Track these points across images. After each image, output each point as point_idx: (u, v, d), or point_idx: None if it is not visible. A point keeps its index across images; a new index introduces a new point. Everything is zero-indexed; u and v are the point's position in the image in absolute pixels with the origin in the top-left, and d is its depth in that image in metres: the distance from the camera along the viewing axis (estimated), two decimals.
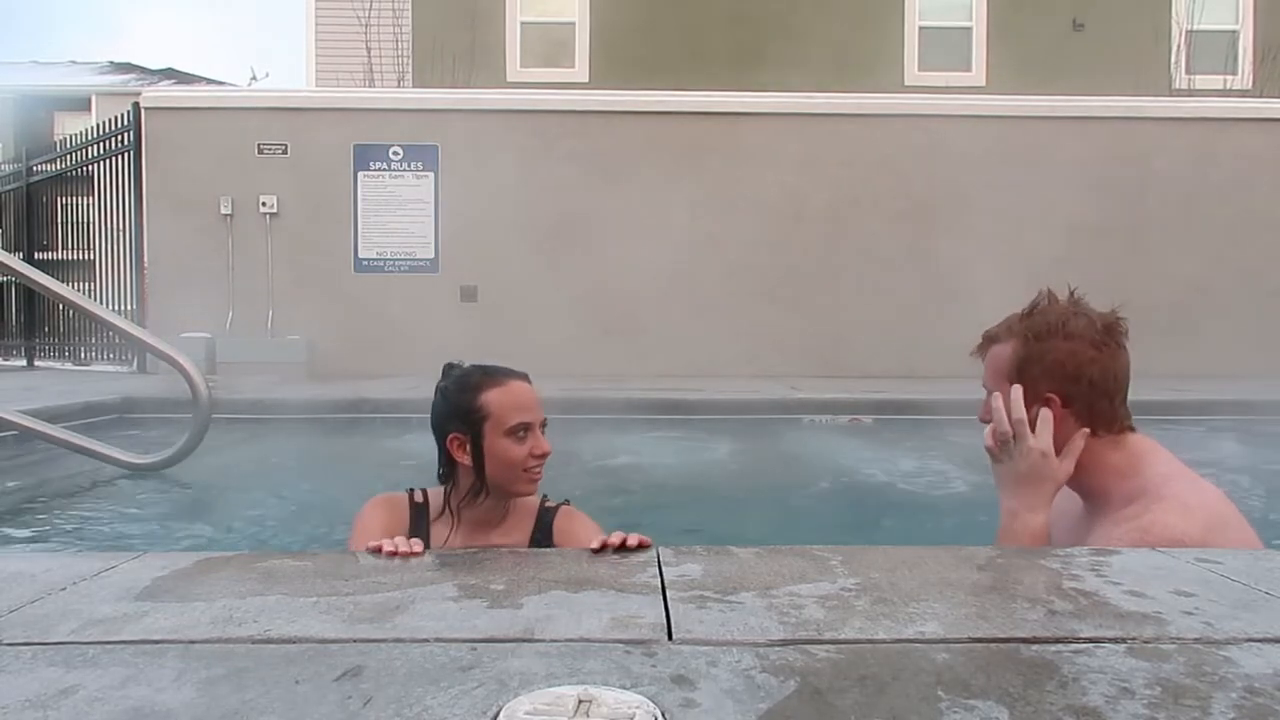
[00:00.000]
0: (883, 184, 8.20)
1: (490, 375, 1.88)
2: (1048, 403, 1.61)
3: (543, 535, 1.90)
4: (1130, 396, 1.66)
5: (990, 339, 1.73)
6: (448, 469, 1.88)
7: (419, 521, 1.87)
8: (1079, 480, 1.66)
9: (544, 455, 1.85)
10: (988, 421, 1.69)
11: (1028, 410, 1.62)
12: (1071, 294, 1.68)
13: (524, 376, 1.91)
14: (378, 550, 1.44)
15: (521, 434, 1.82)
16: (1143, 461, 1.61)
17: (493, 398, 1.84)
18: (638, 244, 7.85)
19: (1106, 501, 1.62)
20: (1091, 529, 1.62)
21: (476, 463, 1.83)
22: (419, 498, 1.92)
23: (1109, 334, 1.62)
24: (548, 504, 1.97)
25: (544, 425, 1.87)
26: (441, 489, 1.90)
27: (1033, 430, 1.61)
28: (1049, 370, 1.61)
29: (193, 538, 2.88)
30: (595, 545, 1.44)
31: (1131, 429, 1.65)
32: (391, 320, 7.82)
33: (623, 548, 1.42)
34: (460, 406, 1.85)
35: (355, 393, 6.00)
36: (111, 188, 8.49)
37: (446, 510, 1.87)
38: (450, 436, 1.85)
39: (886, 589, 1.20)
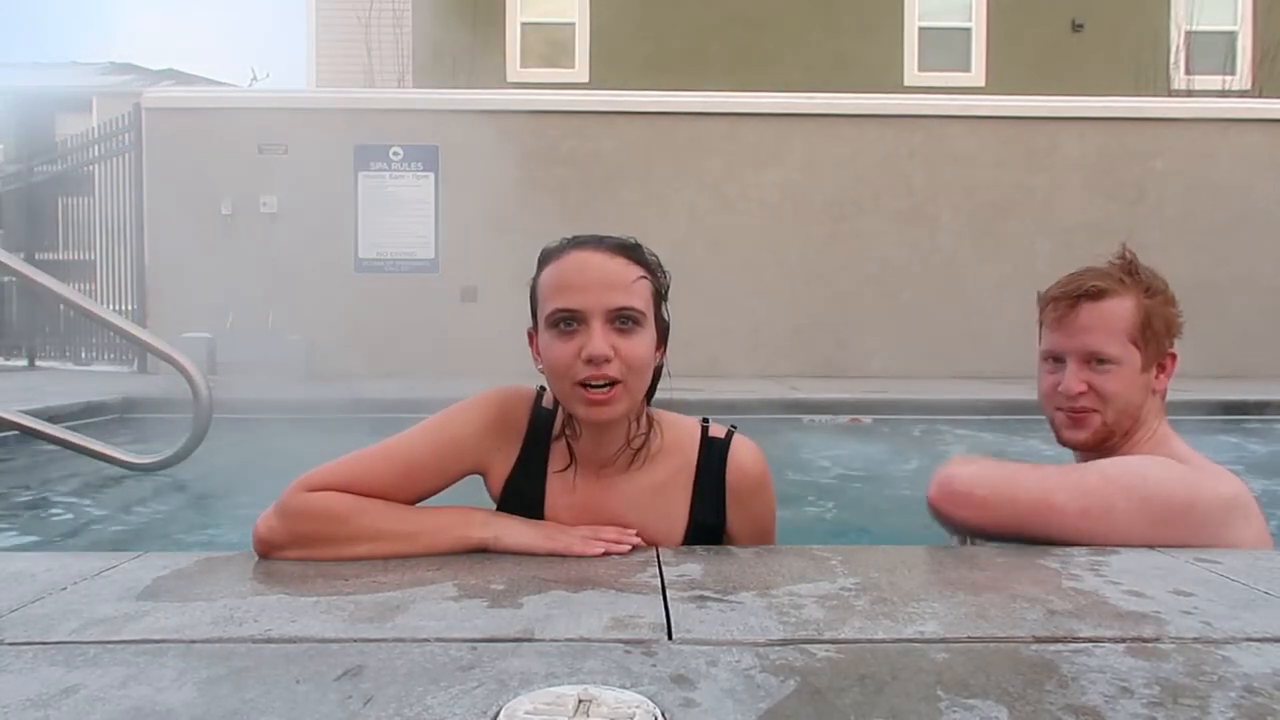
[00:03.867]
0: (883, 184, 8.21)
1: (558, 246, 1.39)
2: (1169, 359, 1.57)
3: (706, 489, 1.42)
4: None
5: (1094, 294, 1.52)
6: None
7: (537, 438, 1.43)
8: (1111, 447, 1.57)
9: (593, 360, 1.27)
10: (1079, 394, 1.52)
11: (1149, 370, 1.53)
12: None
13: (605, 243, 1.35)
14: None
15: (565, 325, 1.30)
16: (1171, 439, 1.59)
17: (543, 277, 1.37)
18: None
19: None
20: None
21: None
22: (548, 402, 1.45)
23: None
24: (712, 432, 1.45)
25: (623, 319, 1.30)
26: None
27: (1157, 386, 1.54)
28: (1169, 326, 1.56)
29: (193, 538, 2.88)
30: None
31: None
32: (391, 320, 7.83)
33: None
34: (530, 294, 1.41)
35: (355, 393, 5.99)
36: (111, 188, 8.49)
37: (564, 437, 1.42)
38: (528, 331, 1.42)
39: (886, 589, 1.20)
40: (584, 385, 1.29)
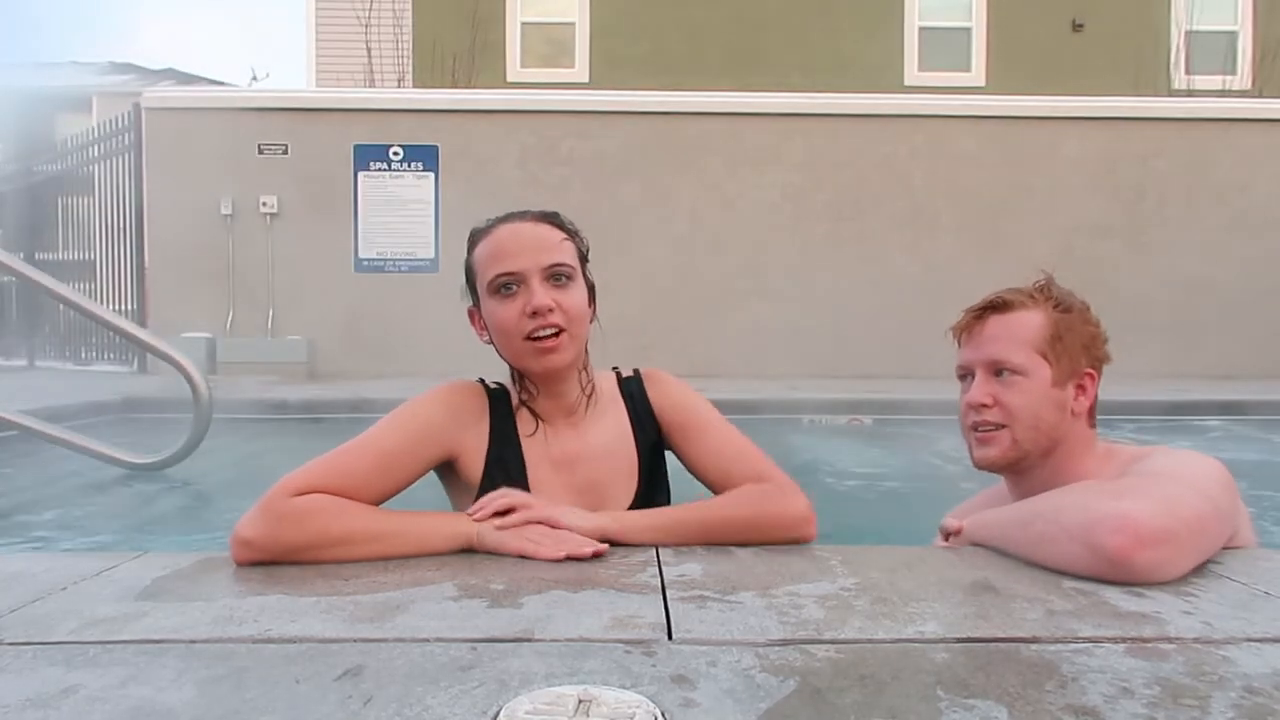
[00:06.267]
0: (883, 184, 8.21)
1: (486, 225, 1.51)
2: (1086, 378, 1.53)
3: (640, 415, 1.59)
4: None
5: (1000, 306, 1.54)
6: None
7: (501, 410, 1.54)
8: (1056, 478, 1.51)
9: (538, 312, 1.40)
10: (983, 406, 1.51)
11: (1062, 387, 1.50)
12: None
13: (528, 215, 1.50)
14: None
15: (506, 289, 1.43)
16: (1113, 451, 1.55)
17: (477, 252, 1.49)
18: (637, 244, 7.85)
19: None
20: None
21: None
22: (493, 385, 1.58)
23: None
24: (624, 374, 1.65)
25: (558, 275, 1.44)
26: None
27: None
28: (1086, 344, 1.53)
29: (193, 538, 2.88)
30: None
31: None
32: (391, 320, 7.83)
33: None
34: (465, 273, 1.54)
35: (355, 393, 6.00)
36: (111, 187, 8.49)
37: (523, 404, 1.55)
38: (468, 310, 1.54)
39: (886, 589, 1.20)
40: (532, 339, 1.42)
